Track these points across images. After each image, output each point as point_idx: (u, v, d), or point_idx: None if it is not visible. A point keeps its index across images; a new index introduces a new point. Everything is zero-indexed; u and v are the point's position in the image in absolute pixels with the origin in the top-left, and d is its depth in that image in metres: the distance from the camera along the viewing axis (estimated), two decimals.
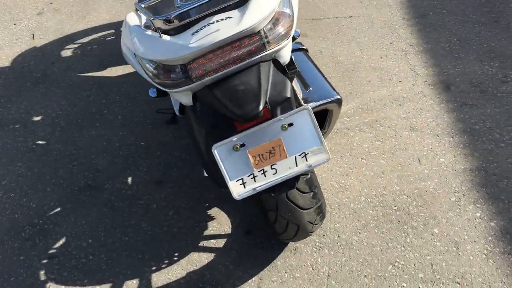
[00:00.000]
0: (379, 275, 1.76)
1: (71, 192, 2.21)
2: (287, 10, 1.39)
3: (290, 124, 1.32)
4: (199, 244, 1.94)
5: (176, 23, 1.20)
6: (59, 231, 2.05)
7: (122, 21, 3.39)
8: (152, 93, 1.93)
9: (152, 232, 2.00)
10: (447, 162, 2.14)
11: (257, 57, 1.34)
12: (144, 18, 1.47)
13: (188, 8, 1.23)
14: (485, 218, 1.90)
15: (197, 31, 1.30)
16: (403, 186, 2.05)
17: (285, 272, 1.80)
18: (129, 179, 2.25)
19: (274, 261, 1.84)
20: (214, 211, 2.06)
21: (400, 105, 2.46)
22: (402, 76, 2.64)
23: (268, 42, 1.34)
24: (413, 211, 1.96)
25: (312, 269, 1.80)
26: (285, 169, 1.35)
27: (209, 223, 2.01)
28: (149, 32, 1.38)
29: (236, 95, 1.32)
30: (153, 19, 1.23)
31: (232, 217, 2.02)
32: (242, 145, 1.33)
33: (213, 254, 1.89)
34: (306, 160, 1.35)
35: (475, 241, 1.83)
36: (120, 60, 2.98)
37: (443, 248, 1.82)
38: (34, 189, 2.24)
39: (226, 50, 1.30)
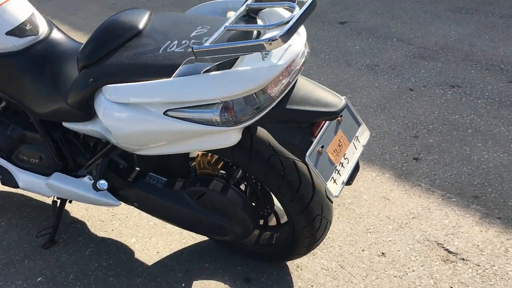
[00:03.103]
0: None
1: None
2: None
3: (341, 116, 1.49)
4: None
5: (280, 42, 1.19)
6: None
7: None
8: (103, 185, 1.70)
9: None
10: None
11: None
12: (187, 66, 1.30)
13: (290, 26, 1.21)
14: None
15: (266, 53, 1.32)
16: None
17: (311, 286, 1.86)
18: None
19: (298, 284, 1.87)
20: (197, 284, 1.89)
21: None
22: None
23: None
24: None
25: (326, 265, 1.92)
26: (352, 155, 1.50)
27: None
28: (213, 72, 1.29)
29: (316, 99, 1.39)
30: (266, 41, 1.14)
31: (220, 278, 1.91)
32: (322, 147, 1.42)
33: None
34: (359, 142, 1.54)
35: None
36: None
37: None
38: None
39: (292, 65, 1.36)
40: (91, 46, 1.52)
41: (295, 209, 1.58)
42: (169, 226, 2.16)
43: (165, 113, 1.35)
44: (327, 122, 1.45)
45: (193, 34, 1.46)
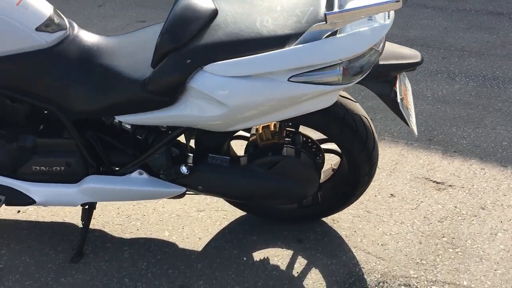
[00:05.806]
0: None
1: None
2: None
3: None
4: (296, 276, 1.90)
5: (400, 3, 1.35)
6: None
7: None
8: (187, 170, 1.73)
9: None
10: None
11: None
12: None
13: None
14: None
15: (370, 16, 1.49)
16: None
17: (355, 231, 2.10)
18: None
19: (343, 233, 2.09)
20: (257, 255, 1.98)
21: None
22: None
23: None
24: None
25: (368, 212, 2.18)
26: (411, 102, 1.78)
27: (273, 262, 1.95)
28: (334, 36, 1.42)
29: (399, 53, 1.61)
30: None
31: (275, 245, 2.03)
32: (401, 95, 1.66)
33: (316, 272, 1.92)
34: (409, 91, 1.82)
35: None
36: None
37: None
38: None
39: None
40: (175, 30, 1.51)
41: (363, 159, 1.80)
42: (195, 213, 2.17)
43: (289, 79, 1.45)
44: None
45: (279, 9, 1.57)
